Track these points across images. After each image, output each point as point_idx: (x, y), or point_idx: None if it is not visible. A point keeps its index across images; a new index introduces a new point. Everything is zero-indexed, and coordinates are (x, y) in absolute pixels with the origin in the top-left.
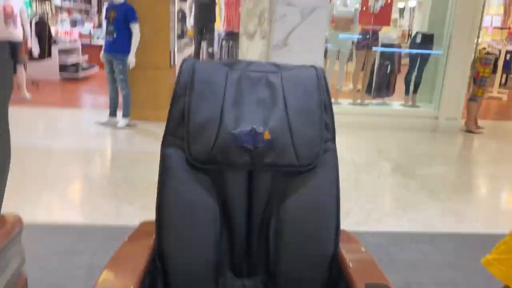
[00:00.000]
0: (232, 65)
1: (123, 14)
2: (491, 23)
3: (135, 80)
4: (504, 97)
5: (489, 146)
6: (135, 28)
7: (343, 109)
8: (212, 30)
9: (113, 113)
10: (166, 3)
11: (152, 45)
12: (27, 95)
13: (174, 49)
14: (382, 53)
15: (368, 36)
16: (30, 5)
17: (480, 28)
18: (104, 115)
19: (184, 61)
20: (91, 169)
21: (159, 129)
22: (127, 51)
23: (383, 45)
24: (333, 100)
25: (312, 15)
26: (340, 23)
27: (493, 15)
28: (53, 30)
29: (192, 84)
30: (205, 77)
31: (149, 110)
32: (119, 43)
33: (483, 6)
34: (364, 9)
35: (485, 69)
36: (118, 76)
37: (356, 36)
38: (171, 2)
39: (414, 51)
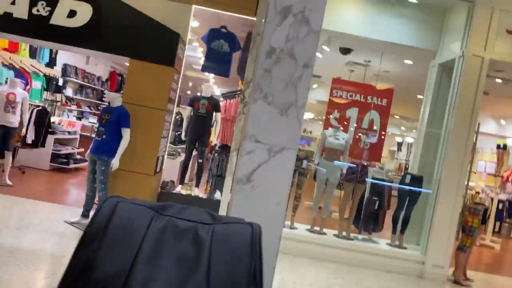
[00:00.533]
0: (161, 210)
1: (117, 117)
2: (485, 169)
3: (116, 184)
4: (497, 247)
5: None
6: (126, 133)
7: (328, 240)
8: (204, 143)
9: (85, 214)
10: (162, 113)
11: (140, 150)
12: (8, 181)
13: (164, 155)
14: (372, 187)
15: (357, 169)
16: (41, 94)
17: (469, 174)
18: (78, 213)
19: (108, 199)
20: (37, 279)
21: None
22: (112, 153)
23: (374, 179)
24: (317, 228)
25: (279, 155)
26: (330, 154)
27: (487, 161)
28: (57, 119)
29: (106, 229)
30: (124, 222)
31: None
32: (106, 145)
33: (473, 152)
34: (356, 143)
35: (473, 219)
36: (98, 176)
37: (348, 165)
38: (169, 113)
39: (405, 187)
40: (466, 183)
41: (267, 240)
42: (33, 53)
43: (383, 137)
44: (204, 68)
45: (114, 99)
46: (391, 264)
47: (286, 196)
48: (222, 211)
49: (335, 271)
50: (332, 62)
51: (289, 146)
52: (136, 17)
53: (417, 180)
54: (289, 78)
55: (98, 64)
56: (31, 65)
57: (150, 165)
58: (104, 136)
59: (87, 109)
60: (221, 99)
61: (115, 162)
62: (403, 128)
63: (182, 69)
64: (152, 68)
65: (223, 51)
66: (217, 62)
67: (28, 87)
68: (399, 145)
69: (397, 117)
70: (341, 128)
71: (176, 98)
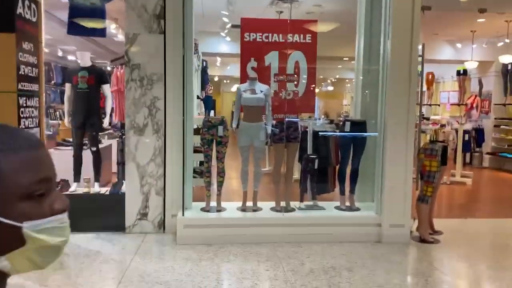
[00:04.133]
0: None
1: None
2: (448, 100)
3: None
4: (469, 181)
5: (448, 266)
6: None
7: (262, 218)
8: (94, 125)
9: None
10: (11, 96)
11: None
12: None
13: None
14: (315, 143)
15: (284, 126)
16: None
17: (420, 108)
18: None
19: None
20: None
21: None
22: None
23: (315, 133)
24: (250, 204)
25: None
26: (249, 113)
27: (449, 91)
28: None
29: None
30: None
31: None
32: None
33: (432, 82)
34: (280, 94)
35: (431, 162)
36: None
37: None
38: (26, 94)
39: (347, 134)
40: (417, 119)
41: None
42: None
43: (312, 84)
44: (71, 29)
45: None
46: (341, 232)
47: None
48: (128, 207)
49: (270, 257)
50: (253, 7)
51: None
52: None
53: (358, 126)
54: None
55: None
56: None
57: None
58: None
59: None
60: (110, 67)
61: None
62: None
63: (43, 36)
64: None
65: (90, 4)
66: (86, 19)
67: None
68: None
69: (346, 59)
70: (257, 80)
71: (42, 74)
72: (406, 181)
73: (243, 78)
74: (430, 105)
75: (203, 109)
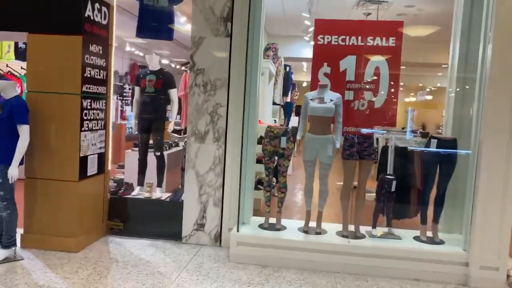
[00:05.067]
0: None
1: (8, 112)
2: None
3: (34, 197)
4: None
5: None
6: (23, 131)
7: (326, 243)
8: (159, 130)
9: (6, 245)
10: (76, 98)
11: (57, 150)
12: None
13: (100, 152)
14: (396, 160)
15: (357, 141)
16: None
17: None
18: None
19: None
20: None
21: (59, 263)
22: (8, 161)
23: (397, 150)
24: (313, 224)
25: None
26: (316, 124)
27: None
28: None
29: None
30: None
31: (49, 236)
32: None
33: None
34: (351, 105)
35: None
36: None
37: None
38: (90, 97)
39: (433, 151)
40: None
41: None
42: (20, 55)
43: (394, 93)
44: (139, 33)
45: (6, 88)
46: (418, 269)
47: None
48: (186, 216)
49: None
50: (338, 7)
51: None
52: None
53: (447, 145)
54: None
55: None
56: (21, 67)
57: (72, 168)
58: None
59: None
60: (183, 69)
61: (11, 172)
62: None
63: (114, 38)
64: (54, 41)
65: (160, 6)
66: (155, 22)
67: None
68: None
69: (445, 66)
70: (328, 87)
71: (110, 77)
72: (504, 213)
73: (314, 85)
74: None
75: (283, 116)
